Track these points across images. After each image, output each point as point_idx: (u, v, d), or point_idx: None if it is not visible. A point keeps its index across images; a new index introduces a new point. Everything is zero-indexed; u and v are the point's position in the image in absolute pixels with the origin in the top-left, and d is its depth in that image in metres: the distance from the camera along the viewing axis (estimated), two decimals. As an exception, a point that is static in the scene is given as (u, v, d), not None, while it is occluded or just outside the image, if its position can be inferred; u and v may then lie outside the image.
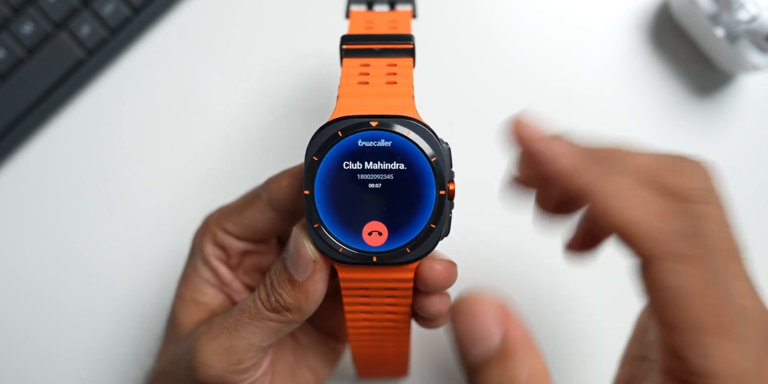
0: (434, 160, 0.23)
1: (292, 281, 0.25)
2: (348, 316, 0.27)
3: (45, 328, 0.39)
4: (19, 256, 0.40)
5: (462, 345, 0.21)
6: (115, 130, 0.41)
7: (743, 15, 0.36)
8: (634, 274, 0.21)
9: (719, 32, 0.37)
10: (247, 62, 0.41)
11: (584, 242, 0.27)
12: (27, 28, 0.39)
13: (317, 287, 0.25)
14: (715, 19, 0.37)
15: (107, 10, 0.40)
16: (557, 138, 0.21)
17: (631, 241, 0.20)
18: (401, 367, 0.34)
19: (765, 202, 0.40)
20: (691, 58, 0.40)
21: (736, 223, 0.23)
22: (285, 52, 0.41)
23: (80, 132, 0.41)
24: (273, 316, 0.26)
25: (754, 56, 0.37)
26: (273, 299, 0.25)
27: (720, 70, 0.40)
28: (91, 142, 0.40)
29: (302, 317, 0.26)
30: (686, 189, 0.22)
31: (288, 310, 0.25)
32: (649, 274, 0.20)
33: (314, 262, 0.24)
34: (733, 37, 0.37)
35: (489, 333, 0.20)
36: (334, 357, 0.34)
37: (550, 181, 0.21)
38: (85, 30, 0.40)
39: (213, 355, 0.26)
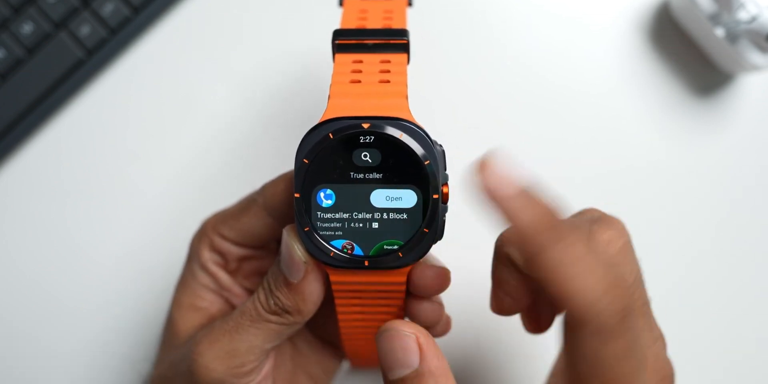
0: (427, 163, 0.23)
1: (288, 283, 0.25)
2: (340, 316, 0.27)
3: (49, 328, 0.39)
4: (19, 257, 0.40)
5: (384, 366, 0.24)
6: (114, 130, 0.41)
7: (743, 15, 0.36)
8: (561, 328, 0.22)
9: (719, 32, 0.37)
10: (249, 62, 0.41)
11: (540, 322, 0.29)
12: (27, 28, 0.40)
13: (312, 288, 0.25)
14: (715, 19, 0.37)
15: (107, 10, 0.40)
16: (523, 194, 0.20)
17: (575, 308, 0.21)
18: None
19: (765, 202, 0.40)
20: (691, 58, 0.40)
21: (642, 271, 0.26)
22: (288, 51, 0.41)
23: (80, 132, 0.41)
24: (273, 318, 0.26)
25: (754, 56, 0.37)
26: (272, 302, 0.25)
27: (720, 70, 0.40)
28: (90, 142, 0.41)
29: (303, 319, 0.26)
30: (607, 246, 0.24)
31: (287, 312, 0.25)
32: (581, 340, 0.21)
33: (305, 263, 0.24)
34: (733, 37, 0.37)
35: (406, 362, 0.23)
36: (333, 366, 0.33)
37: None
38: (84, 30, 0.40)
39: (214, 359, 0.26)
